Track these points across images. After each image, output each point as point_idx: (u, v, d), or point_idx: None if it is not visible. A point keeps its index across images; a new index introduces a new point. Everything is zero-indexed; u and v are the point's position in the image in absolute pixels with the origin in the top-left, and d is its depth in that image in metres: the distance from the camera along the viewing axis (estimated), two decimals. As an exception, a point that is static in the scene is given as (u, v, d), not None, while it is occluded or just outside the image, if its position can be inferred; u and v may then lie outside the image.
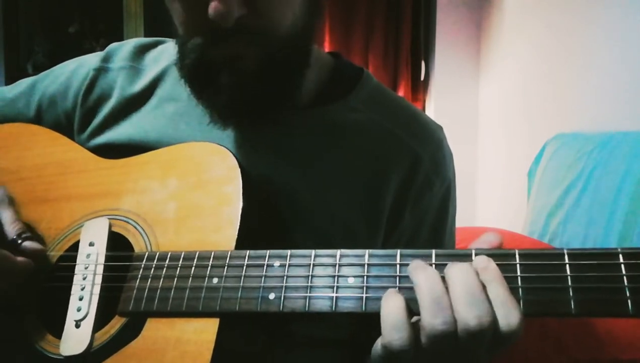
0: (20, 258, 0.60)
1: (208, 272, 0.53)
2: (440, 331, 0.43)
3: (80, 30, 3.14)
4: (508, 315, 0.42)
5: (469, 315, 0.42)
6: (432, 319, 0.43)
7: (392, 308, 0.45)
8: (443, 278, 0.45)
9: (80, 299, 0.58)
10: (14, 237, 0.62)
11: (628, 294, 0.40)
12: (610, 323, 1.00)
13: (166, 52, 0.78)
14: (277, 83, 0.63)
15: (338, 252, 0.51)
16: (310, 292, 0.49)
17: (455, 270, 0.44)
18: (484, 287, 0.43)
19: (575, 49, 1.85)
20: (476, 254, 0.46)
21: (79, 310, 0.58)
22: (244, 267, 0.52)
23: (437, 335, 0.43)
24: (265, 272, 0.52)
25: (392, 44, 2.79)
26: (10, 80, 2.93)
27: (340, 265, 0.50)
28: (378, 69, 2.75)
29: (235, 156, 0.60)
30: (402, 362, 0.45)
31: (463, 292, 0.43)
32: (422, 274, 0.45)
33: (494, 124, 2.60)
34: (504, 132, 2.48)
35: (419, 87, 2.84)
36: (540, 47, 2.11)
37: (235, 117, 0.65)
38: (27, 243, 0.62)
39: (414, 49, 2.81)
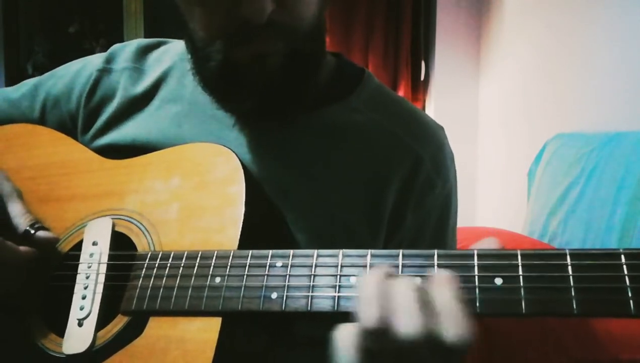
0: (23, 248, 0.60)
1: (211, 272, 0.54)
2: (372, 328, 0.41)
3: (80, 30, 3.14)
4: (451, 324, 0.40)
5: (400, 323, 0.40)
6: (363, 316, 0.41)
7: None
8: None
9: (83, 298, 0.59)
10: (27, 227, 0.62)
11: (630, 294, 0.40)
12: (610, 323, 1.01)
13: (169, 53, 0.78)
14: (301, 78, 0.63)
15: (340, 252, 0.51)
16: (312, 292, 0.50)
17: (400, 281, 0.43)
18: (427, 300, 0.42)
19: (575, 49, 1.85)
20: (479, 254, 0.46)
21: (81, 309, 0.58)
22: (247, 267, 0.53)
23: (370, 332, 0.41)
24: (268, 271, 0.52)
25: (392, 44, 2.79)
26: (10, 80, 2.93)
27: (342, 265, 0.50)
28: (378, 69, 2.75)
29: (238, 157, 0.60)
30: None
31: (402, 302, 0.41)
32: (366, 276, 0.44)
33: (494, 124, 2.60)
34: (504, 132, 2.48)
35: (419, 87, 2.84)
36: (540, 47, 2.12)
37: (262, 117, 0.66)
38: (41, 233, 0.62)
39: (414, 49, 2.81)
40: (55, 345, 0.58)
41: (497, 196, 2.55)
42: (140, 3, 2.97)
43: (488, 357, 0.99)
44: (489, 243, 0.48)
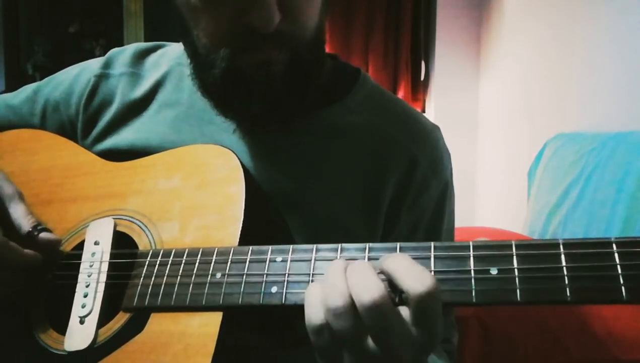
0: (28, 251, 0.60)
1: (211, 268, 0.54)
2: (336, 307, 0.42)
3: (80, 30, 3.15)
4: (417, 280, 0.41)
5: (361, 291, 0.42)
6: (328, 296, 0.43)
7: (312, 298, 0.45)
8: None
9: (85, 296, 0.59)
10: (30, 229, 0.62)
11: (622, 281, 0.41)
12: (610, 324, 1.01)
13: (166, 56, 0.78)
14: (303, 84, 0.63)
15: (339, 246, 0.51)
16: None
17: (356, 261, 0.45)
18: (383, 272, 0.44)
19: (575, 49, 1.85)
20: (474, 246, 0.46)
21: (83, 306, 0.58)
22: (247, 262, 0.53)
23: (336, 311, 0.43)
24: (268, 266, 0.52)
25: (392, 44, 2.79)
26: (10, 80, 2.93)
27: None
28: (378, 69, 2.76)
29: (238, 157, 0.61)
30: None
31: (360, 276, 0.43)
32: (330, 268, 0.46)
33: (494, 124, 2.60)
34: (504, 132, 2.48)
35: (419, 87, 2.84)
36: (540, 47, 2.12)
37: (263, 123, 0.66)
38: (44, 234, 0.62)
39: (414, 49, 2.82)
40: (57, 343, 0.59)
41: (497, 196, 2.55)
42: (140, 3, 2.98)
43: (487, 358, 0.99)
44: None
